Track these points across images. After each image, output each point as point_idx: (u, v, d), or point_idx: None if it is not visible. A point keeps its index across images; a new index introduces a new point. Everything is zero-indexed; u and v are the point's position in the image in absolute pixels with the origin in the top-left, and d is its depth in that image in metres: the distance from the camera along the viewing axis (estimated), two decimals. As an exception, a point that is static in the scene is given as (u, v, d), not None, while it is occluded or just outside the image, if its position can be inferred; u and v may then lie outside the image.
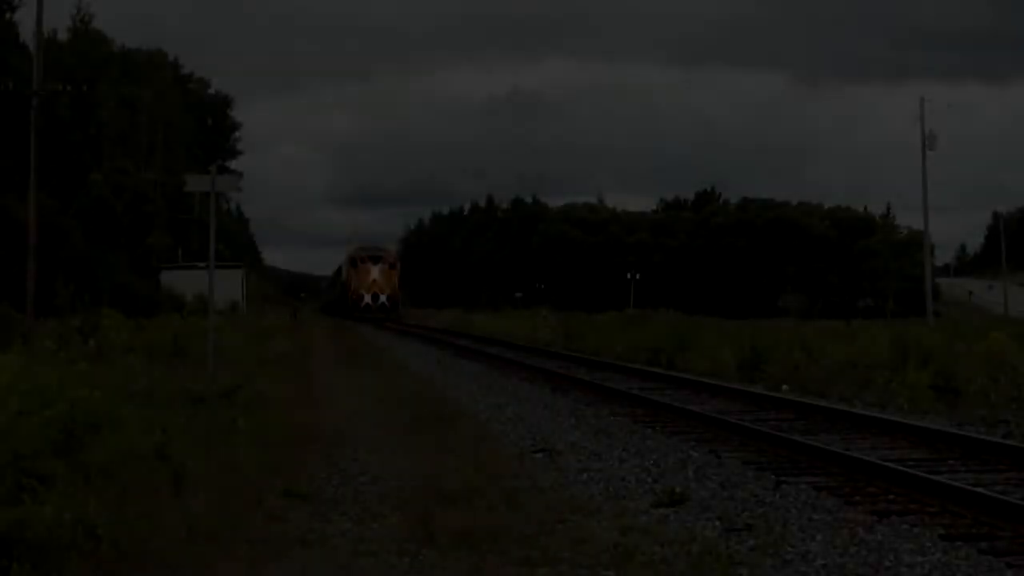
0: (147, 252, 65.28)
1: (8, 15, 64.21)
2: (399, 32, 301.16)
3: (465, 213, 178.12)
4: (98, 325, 24.85)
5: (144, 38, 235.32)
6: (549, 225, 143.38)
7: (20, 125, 54.54)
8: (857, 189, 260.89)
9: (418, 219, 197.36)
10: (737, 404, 16.80)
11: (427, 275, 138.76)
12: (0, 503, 7.04)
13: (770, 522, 8.42)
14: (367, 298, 67.69)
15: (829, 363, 20.95)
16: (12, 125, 59.45)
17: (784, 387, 19.03)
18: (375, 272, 68.66)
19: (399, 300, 69.88)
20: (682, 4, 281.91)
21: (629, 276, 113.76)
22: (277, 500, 9.08)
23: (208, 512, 7.85)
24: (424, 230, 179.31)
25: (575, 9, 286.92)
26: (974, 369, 18.61)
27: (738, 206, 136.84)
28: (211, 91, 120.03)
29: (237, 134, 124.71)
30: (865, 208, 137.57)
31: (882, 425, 13.50)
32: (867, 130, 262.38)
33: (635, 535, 7.93)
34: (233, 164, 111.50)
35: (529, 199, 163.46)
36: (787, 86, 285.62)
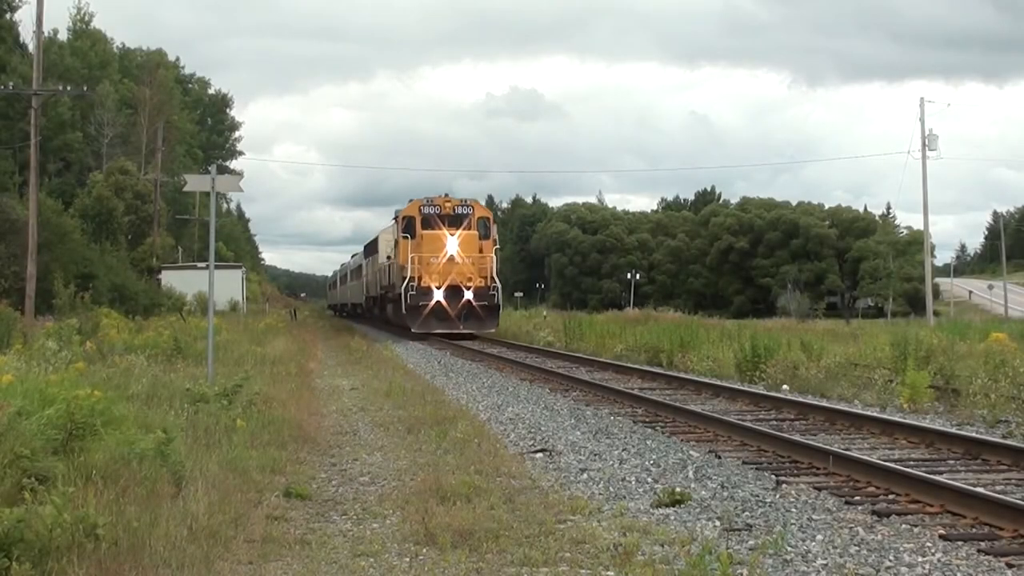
0: (147, 252, 65.22)
1: (8, 15, 64.26)
2: (399, 32, 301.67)
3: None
4: (98, 325, 24.89)
5: (144, 38, 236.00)
6: (549, 225, 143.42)
7: (20, 125, 54.61)
8: (857, 189, 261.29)
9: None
10: (737, 404, 16.81)
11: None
12: (0, 503, 7.04)
13: (770, 522, 8.42)
14: (438, 295, 37.41)
15: (829, 363, 20.93)
16: (12, 125, 59.50)
17: (784, 387, 19.02)
18: (454, 244, 37.75)
19: (499, 299, 38.61)
20: (682, 4, 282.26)
21: (629, 276, 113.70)
22: (277, 500, 9.08)
23: (208, 512, 7.84)
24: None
25: (575, 9, 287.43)
26: (974, 369, 18.60)
27: (738, 206, 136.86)
28: (211, 91, 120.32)
29: (237, 134, 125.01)
30: (865, 208, 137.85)
31: (882, 425, 13.49)
32: (867, 130, 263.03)
33: (635, 535, 7.93)
34: (233, 164, 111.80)
35: (529, 199, 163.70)
36: (787, 86, 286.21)
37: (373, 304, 54.12)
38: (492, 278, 37.88)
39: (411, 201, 40.31)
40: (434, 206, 38.87)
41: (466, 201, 39.84)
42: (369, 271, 55.01)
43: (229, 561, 7.07)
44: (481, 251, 38.28)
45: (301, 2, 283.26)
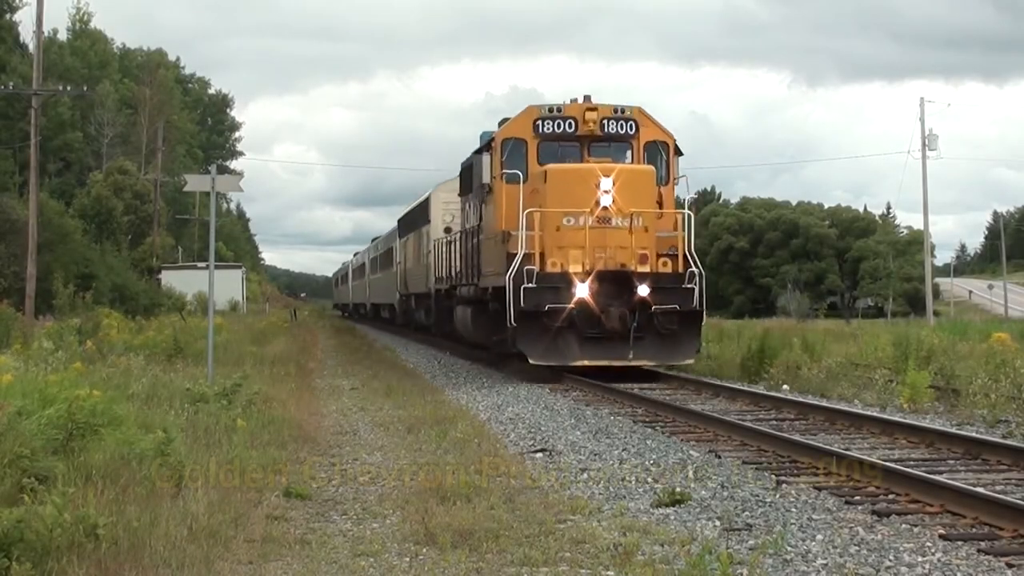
0: (147, 252, 65.27)
1: (8, 15, 64.31)
2: (399, 32, 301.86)
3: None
4: (98, 325, 24.91)
5: (144, 38, 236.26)
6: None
7: (20, 125, 54.63)
8: (857, 189, 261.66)
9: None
10: (737, 404, 16.81)
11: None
12: (0, 503, 7.04)
13: (770, 522, 8.41)
14: (580, 290, 19.27)
15: (830, 363, 20.92)
16: (12, 125, 59.52)
17: (785, 387, 19.01)
18: (609, 189, 19.42)
19: (701, 297, 19.84)
20: (682, 4, 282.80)
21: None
22: (277, 500, 9.08)
23: (208, 512, 7.84)
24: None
25: (575, 9, 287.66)
26: (975, 369, 18.59)
27: (738, 206, 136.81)
28: (211, 91, 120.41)
29: (237, 134, 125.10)
30: (865, 208, 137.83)
31: (882, 425, 13.49)
32: (867, 130, 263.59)
33: (635, 535, 7.92)
34: (233, 164, 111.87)
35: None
36: (787, 86, 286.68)
37: (416, 306, 36.38)
38: (687, 256, 20.07)
39: (503, 123, 21.90)
40: (566, 119, 20.95)
41: (622, 109, 21.22)
42: (408, 255, 37.29)
43: (229, 561, 7.07)
44: (660, 204, 20.46)
45: (301, 2, 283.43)
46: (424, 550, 7.55)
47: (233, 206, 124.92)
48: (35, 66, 39.49)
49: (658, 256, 20.01)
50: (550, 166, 20.22)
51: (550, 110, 21.09)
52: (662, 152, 21.31)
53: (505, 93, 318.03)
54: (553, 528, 8.12)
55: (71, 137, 72.88)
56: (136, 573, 6.44)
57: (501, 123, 22.13)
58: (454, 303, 26.82)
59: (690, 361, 20.52)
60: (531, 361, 19.78)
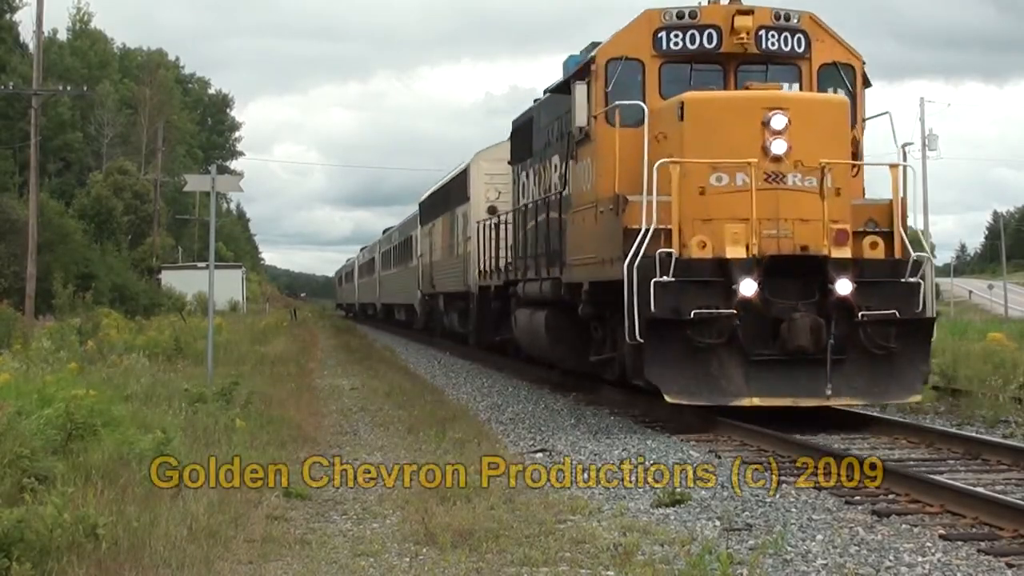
0: (147, 252, 65.30)
1: (8, 15, 64.34)
2: (399, 32, 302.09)
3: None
4: (98, 325, 24.93)
5: (144, 38, 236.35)
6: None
7: (20, 125, 54.66)
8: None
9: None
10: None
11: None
12: (0, 503, 7.05)
13: (770, 522, 8.41)
14: (745, 287, 12.42)
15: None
16: (12, 125, 59.56)
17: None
18: (781, 130, 12.62)
19: (930, 294, 13.41)
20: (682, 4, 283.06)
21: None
22: (277, 500, 9.08)
23: (208, 512, 7.84)
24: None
25: (575, 9, 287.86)
26: (975, 368, 18.58)
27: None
28: (211, 91, 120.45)
29: (237, 134, 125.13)
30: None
31: (882, 424, 13.48)
32: (867, 130, 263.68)
33: (635, 535, 7.92)
34: (233, 164, 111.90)
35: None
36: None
37: (447, 308, 30.37)
38: (901, 231, 13.76)
39: (594, 47, 15.13)
40: (703, 29, 14.32)
41: (787, 15, 14.58)
42: (435, 244, 31.35)
43: (229, 561, 7.06)
44: (854, 152, 14.28)
45: (301, 2, 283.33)
46: (424, 550, 7.55)
47: (233, 206, 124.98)
48: (35, 66, 39.52)
49: (861, 233, 13.49)
50: (688, 95, 13.47)
51: (679, 16, 14.32)
52: (846, 80, 14.58)
53: (505, 93, 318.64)
54: (553, 528, 8.12)
55: (71, 137, 72.92)
56: (136, 573, 6.44)
57: (587, 49, 15.63)
58: (513, 305, 20.07)
59: (916, 399, 13.63)
60: (668, 399, 12.82)
